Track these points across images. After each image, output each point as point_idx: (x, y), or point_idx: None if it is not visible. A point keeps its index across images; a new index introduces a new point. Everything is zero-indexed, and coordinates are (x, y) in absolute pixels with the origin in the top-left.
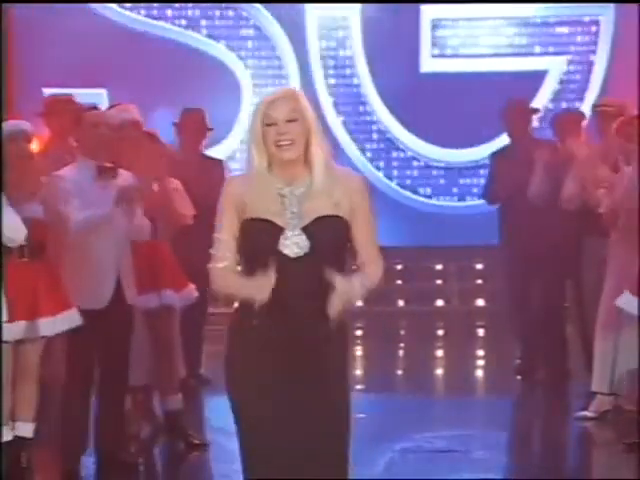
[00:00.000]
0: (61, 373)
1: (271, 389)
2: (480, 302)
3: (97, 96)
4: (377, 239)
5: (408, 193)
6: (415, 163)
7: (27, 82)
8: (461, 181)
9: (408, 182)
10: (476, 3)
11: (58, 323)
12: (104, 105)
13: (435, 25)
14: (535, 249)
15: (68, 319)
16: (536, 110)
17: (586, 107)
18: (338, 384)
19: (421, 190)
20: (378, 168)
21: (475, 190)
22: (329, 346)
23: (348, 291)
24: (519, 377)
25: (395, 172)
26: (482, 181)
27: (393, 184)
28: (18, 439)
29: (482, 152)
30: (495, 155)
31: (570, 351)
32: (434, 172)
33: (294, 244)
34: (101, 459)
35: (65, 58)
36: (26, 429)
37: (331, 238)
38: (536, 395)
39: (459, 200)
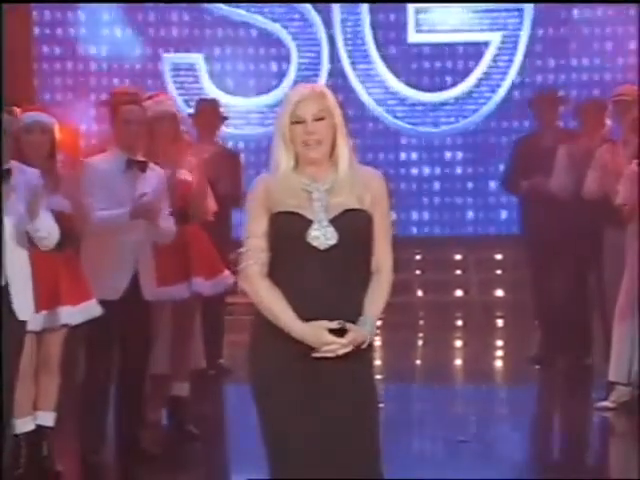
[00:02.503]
0: (80, 363)
1: (298, 379)
2: (499, 293)
3: (196, 59)
4: (391, 237)
5: (399, 122)
6: (403, 102)
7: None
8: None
9: (398, 114)
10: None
11: (79, 313)
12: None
13: (417, 11)
14: (557, 239)
15: (89, 309)
16: (565, 99)
17: (514, 68)
18: (366, 371)
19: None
20: (379, 105)
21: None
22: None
23: (361, 338)
24: (537, 367)
25: (389, 108)
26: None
27: (389, 116)
28: (39, 428)
29: (449, 94)
30: (519, 142)
31: (592, 341)
32: (418, 108)
33: (323, 235)
34: (121, 448)
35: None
36: (47, 418)
37: (358, 230)
38: (555, 385)
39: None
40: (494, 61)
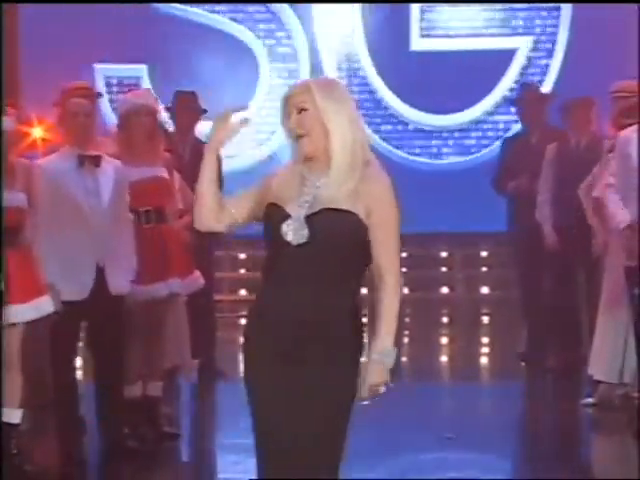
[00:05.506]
0: (45, 360)
1: (271, 369)
2: (485, 290)
3: (138, 71)
4: (399, 250)
5: (399, 152)
6: (401, 127)
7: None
8: (440, 142)
9: (398, 143)
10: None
11: (28, 311)
12: (145, 80)
13: (423, 10)
14: (544, 237)
15: (37, 307)
16: (550, 96)
17: (550, 80)
18: (336, 368)
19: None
20: (375, 131)
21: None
22: (328, 332)
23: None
24: (523, 364)
25: (388, 134)
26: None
27: (389, 146)
28: (6, 425)
29: (462, 117)
30: (507, 142)
31: (579, 338)
32: (420, 134)
33: (292, 231)
34: (105, 447)
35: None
36: (12, 415)
37: (331, 230)
38: (541, 382)
39: (436, 158)
40: (522, 74)
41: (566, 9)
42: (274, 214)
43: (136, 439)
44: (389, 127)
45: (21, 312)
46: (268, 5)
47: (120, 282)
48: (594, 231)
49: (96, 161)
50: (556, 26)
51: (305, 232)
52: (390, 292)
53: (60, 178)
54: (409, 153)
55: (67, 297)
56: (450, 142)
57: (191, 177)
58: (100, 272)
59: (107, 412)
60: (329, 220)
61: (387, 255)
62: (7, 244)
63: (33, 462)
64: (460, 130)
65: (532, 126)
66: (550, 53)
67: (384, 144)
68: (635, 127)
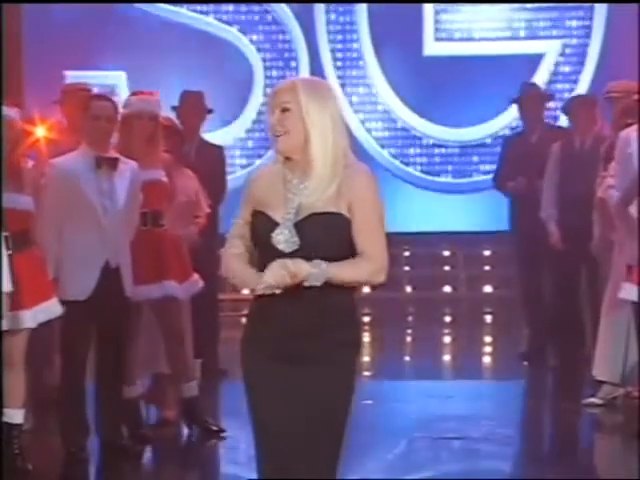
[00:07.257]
0: (48, 360)
1: (270, 369)
2: (488, 288)
3: (116, 78)
4: (382, 239)
5: (411, 169)
6: (417, 142)
7: (40, 66)
8: (459, 159)
9: (411, 159)
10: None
11: (38, 314)
12: (122, 86)
13: (437, 11)
14: (546, 236)
15: (47, 310)
16: (551, 96)
17: (581, 89)
18: (335, 367)
19: (419, 167)
20: (382, 146)
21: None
22: (326, 332)
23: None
24: (525, 363)
25: (398, 150)
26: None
27: (397, 162)
28: (8, 426)
29: (481, 131)
30: (508, 140)
31: (582, 337)
32: (435, 150)
33: (283, 240)
34: (104, 446)
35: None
36: (15, 416)
37: (321, 235)
38: (543, 381)
39: (459, 177)
40: (550, 82)
41: (600, 10)
42: (262, 223)
43: (136, 439)
44: (399, 142)
45: (31, 315)
46: (264, 6)
47: (130, 282)
48: (594, 231)
49: (113, 163)
50: (589, 28)
51: (296, 240)
52: (366, 264)
53: (76, 178)
54: (422, 171)
55: (71, 296)
56: (467, 158)
57: (197, 177)
58: (110, 272)
59: (108, 412)
60: (318, 225)
61: (371, 239)
62: (16, 248)
63: (35, 462)
64: (479, 146)
65: (532, 125)
66: (581, 58)
67: (393, 160)
68: (635, 127)
